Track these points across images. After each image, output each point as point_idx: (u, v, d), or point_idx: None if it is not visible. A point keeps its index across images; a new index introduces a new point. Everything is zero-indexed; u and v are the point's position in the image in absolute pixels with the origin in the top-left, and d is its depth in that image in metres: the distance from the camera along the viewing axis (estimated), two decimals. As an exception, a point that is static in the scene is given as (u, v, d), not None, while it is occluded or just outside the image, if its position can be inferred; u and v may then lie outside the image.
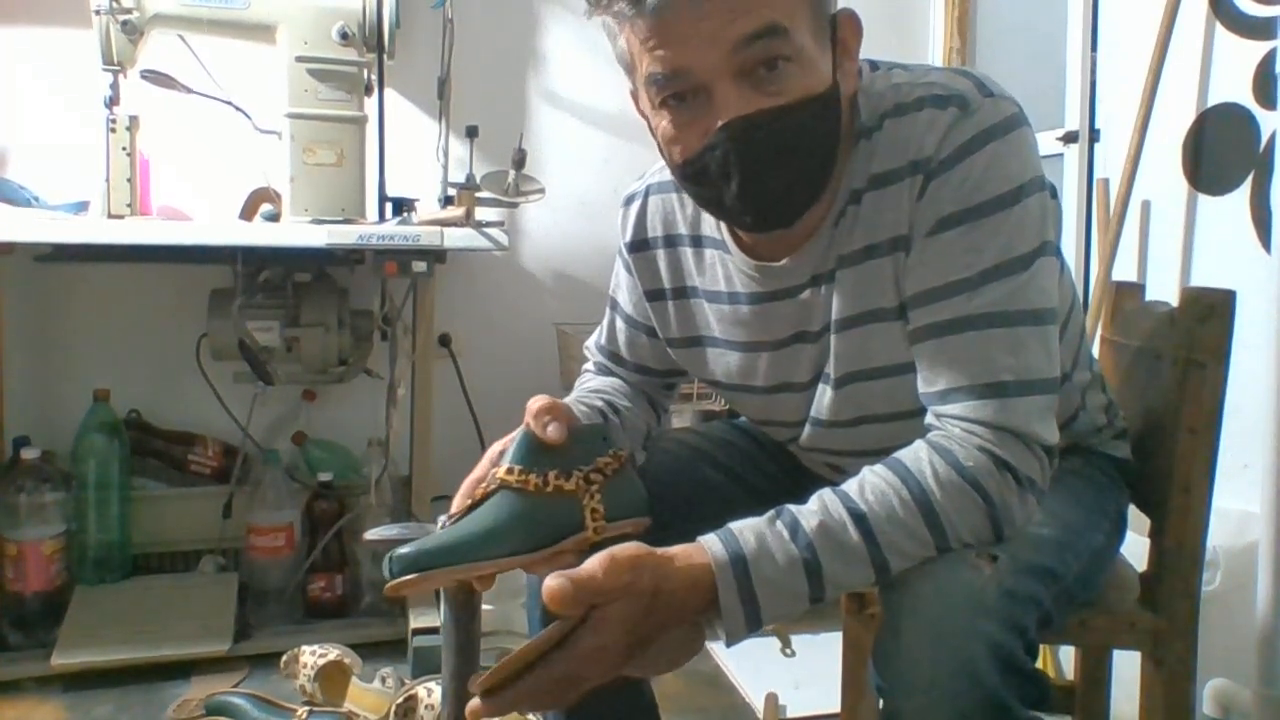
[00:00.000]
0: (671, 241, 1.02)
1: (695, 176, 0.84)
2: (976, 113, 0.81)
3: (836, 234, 0.89)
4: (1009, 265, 0.80)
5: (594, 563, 0.71)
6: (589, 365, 1.17)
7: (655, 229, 1.02)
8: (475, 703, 0.72)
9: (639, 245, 1.04)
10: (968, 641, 0.73)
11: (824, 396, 0.95)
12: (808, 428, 0.99)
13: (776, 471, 1.12)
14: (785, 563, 0.75)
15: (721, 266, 0.98)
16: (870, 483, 0.79)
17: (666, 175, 1.00)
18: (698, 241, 1.00)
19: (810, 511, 0.78)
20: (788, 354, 0.96)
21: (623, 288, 1.09)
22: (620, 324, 1.11)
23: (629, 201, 1.05)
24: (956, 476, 0.78)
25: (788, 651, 1.81)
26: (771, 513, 0.79)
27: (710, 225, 0.98)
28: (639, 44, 0.80)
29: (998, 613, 0.74)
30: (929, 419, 0.84)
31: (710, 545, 0.76)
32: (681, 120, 0.82)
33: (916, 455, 0.80)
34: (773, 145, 0.80)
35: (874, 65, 0.90)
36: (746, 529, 0.77)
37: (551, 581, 0.69)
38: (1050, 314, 0.83)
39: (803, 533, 0.76)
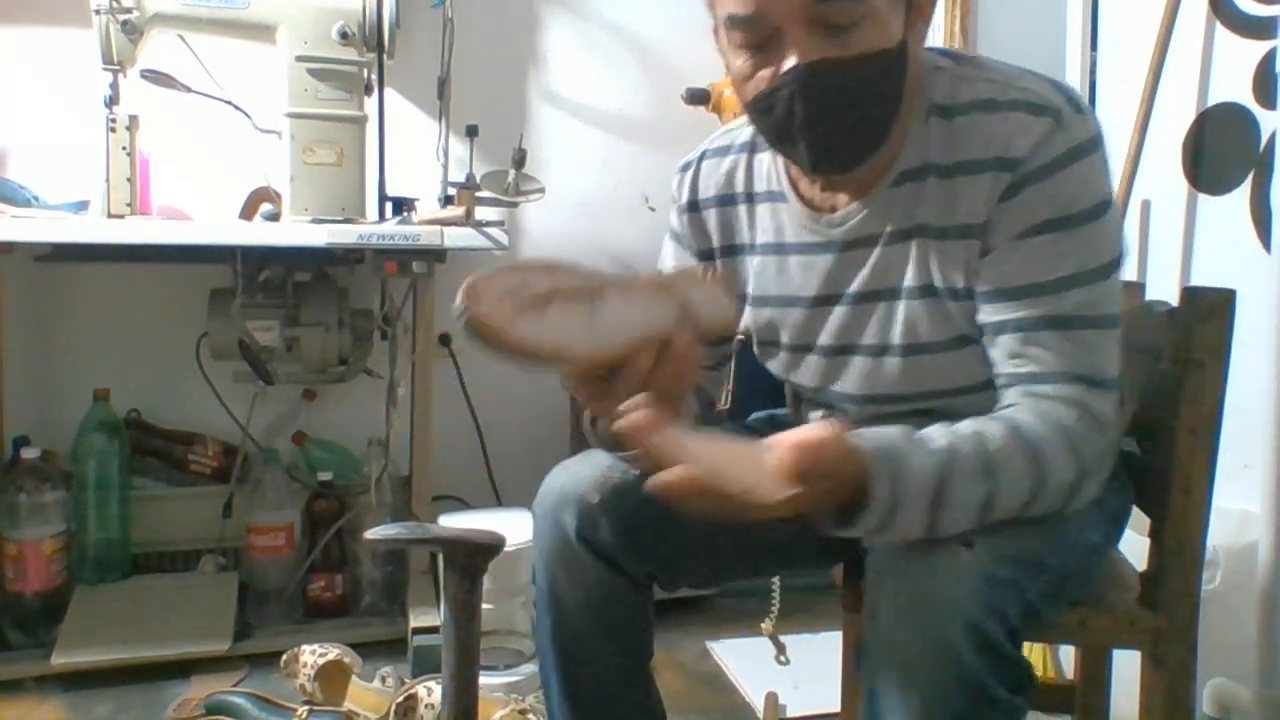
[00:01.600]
0: (723, 200, 1.06)
1: (764, 114, 0.89)
2: (1069, 128, 0.86)
3: (894, 201, 0.93)
4: (1092, 274, 0.87)
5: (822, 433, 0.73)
6: None
7: (708, 190, 1.07)
8: (646, 414, 0.72)
9: (692, 206, 1.08)
10: (943, 622, 0.75)
11: (852, 362, 0.99)
12: (830, 384, 1.03)
13: None
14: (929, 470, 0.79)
15: (773, 218, 1.02)
16: (991, 433, 0.83)
17: (721, 141, 1.08)
18: (750, 198, 1.04)
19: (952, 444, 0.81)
20: (819, 314, 1.00)
21: (669, 259, 1.13)
22: None
23: (684, 168, 1.10)
24: (1060, 438, 0.83)
25: (782, 660, 1.82)
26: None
27: (766, 180, 1.03)
28: None
29: (974, 596, 0.77)
30: (1013, 396, 0.88)
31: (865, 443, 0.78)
32: (755, 61, 0.87)
33: (1025, 417, 0.84)
34: (837, 93, 0.85)
35: (956, 58, 0.95)
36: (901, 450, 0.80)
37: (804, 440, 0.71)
38: (1118, 320, 0.90)
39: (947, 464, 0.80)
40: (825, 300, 1.00)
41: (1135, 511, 1.09)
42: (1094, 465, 0.85)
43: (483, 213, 1.92)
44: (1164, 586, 1.04)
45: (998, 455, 0.81)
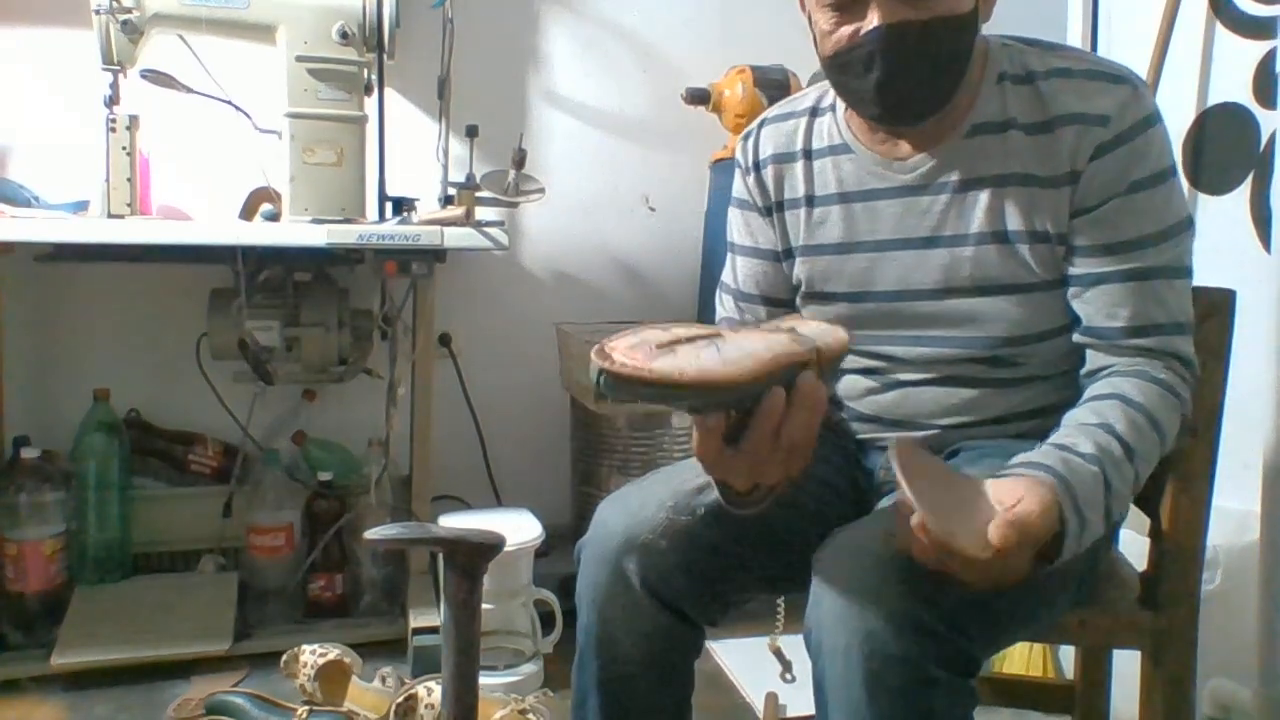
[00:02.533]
0: (780, 158, 1.12)
1: (842, 68, 0.96)
2: (1142, 97, 0.95)
3: (965, 151, 0.99)
4: (1178, 227, 0.95)
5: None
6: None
7: (766, 150, 1.13)
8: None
9: (755, 167, 1.14)
10: (874, 607, 0.79)
11: (911, 308, 1.04)
12: (885, 331, 1.06)
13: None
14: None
15: (835, 170, 1.07)
16: (1128, 417, 0.89)
17: (783, 109, 1.14)
18: (809, 155, 1.10)
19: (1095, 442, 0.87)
20: (882, 259, 1.04)
21: (736, 227, 1.17)
22: (740, 261, 1.17)
23: (745, 137, 1.16)
24: (1163, 395, 0.92)
25: (788, 677, 1.82)
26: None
27: (827, 137, 1.08)
28: None
29: (903, 582, 0.80)
30: (1106, 356, 0.95)
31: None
32: (839, 18, 0.95)
33: (1128, 385, 0.92)
34: (913, 52, 0.93)
35: (1022, 39, 1.03)
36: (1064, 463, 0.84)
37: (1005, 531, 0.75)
38: (1193, 270, 0.98)
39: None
40: (890, 244, 1.04)
41: (1135, 511, 1.09)
42: (1189, 405, 0.95)
43: (483, 213, 1.92)
44: (1164, 586, 1.04)
45: (1128, 436, 0.87)
